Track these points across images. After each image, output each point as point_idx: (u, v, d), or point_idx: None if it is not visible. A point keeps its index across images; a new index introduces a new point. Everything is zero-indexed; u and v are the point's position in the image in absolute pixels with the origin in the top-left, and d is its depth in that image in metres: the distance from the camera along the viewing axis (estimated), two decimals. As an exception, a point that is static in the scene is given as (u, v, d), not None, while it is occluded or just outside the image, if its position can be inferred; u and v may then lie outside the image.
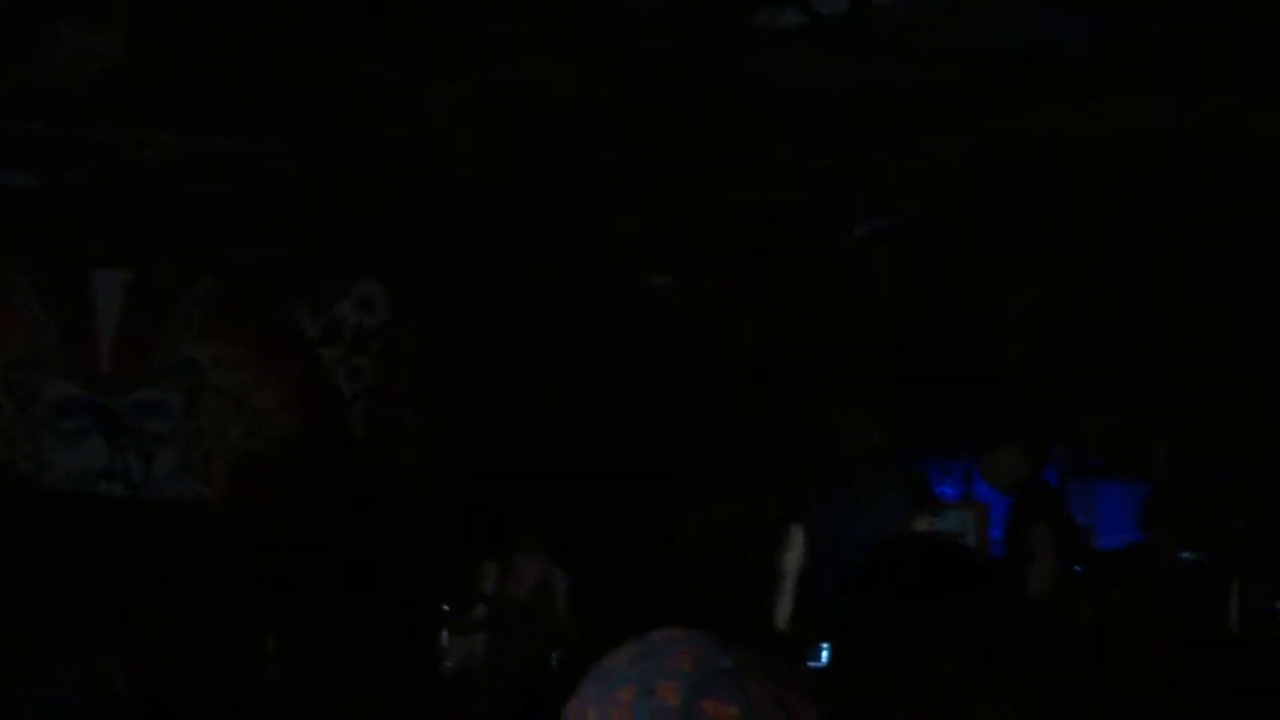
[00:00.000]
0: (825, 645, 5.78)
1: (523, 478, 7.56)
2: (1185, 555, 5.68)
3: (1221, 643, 5.56)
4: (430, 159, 6.75)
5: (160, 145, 6.47)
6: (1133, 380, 7.82)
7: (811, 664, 5.69)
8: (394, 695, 6.66)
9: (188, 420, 7.98)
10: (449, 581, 7.17)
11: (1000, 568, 5.89)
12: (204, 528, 7.53)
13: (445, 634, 6.97)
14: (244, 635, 6.76)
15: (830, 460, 6.89)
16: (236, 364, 8.08)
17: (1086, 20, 4.87)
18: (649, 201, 7.41)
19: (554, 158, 6.81)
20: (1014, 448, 6.15)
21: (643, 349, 8.02)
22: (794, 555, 1.84)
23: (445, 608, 7.02)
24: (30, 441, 7.78)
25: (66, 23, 4.78)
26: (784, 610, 1.75)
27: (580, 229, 7.85)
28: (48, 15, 4.80)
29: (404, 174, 7.09)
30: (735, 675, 1.60)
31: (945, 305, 8.06)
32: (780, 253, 7.74)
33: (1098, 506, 8.10)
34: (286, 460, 7.99)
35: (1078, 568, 6.19)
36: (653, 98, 5.72)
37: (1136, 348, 7.77)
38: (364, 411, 8.26)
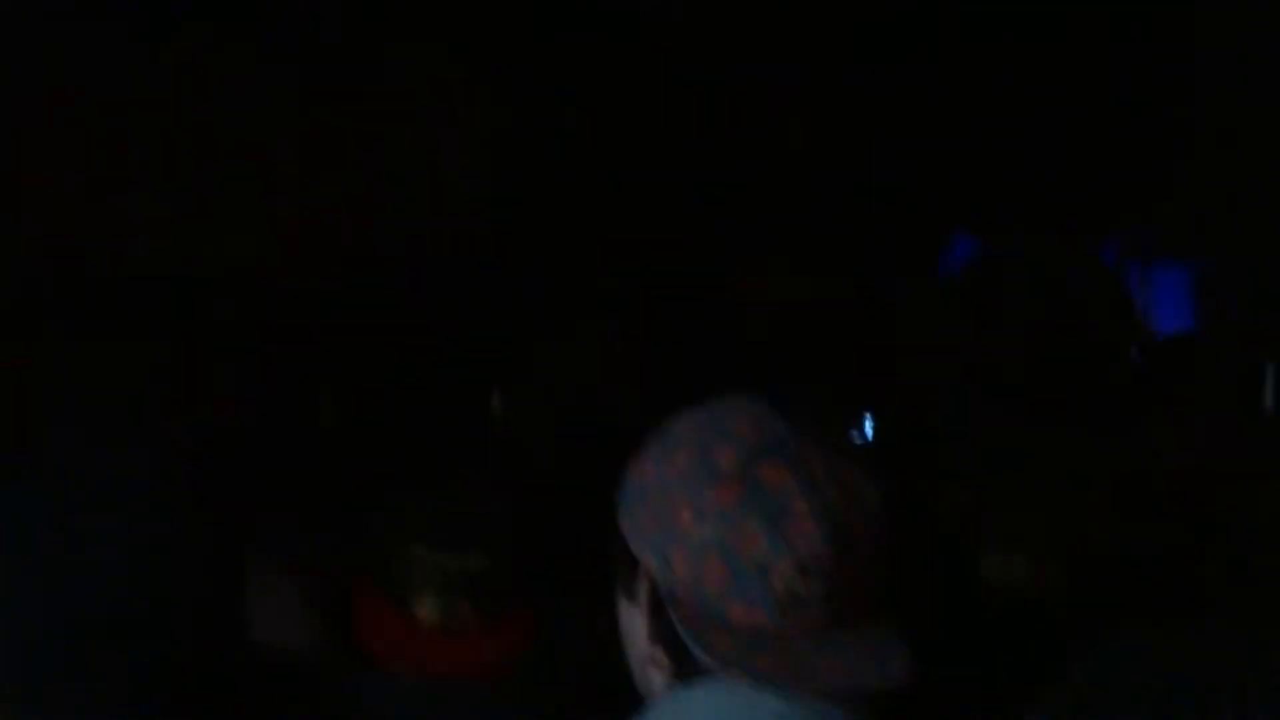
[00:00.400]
0: (868, 414, 5.82)
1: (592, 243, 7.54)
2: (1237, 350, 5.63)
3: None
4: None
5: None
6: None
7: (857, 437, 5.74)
8: (448, 451, 6.75)
9: (249, 189, 7.99)
10: (504, 342, 7.22)
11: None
12: (266, 295, 7.60)
13: (497, 395, 7.05)
14: (298, 391, 6.89)
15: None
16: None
17: None
18: None
19: None
20: None
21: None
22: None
23: (503, 377, 7.08)
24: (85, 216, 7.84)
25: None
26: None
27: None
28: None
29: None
30: (795, 442, 1.61)
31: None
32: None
33: (1156, 291, 8.05)
34: (348, 229, 8.03)
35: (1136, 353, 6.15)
36: None
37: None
38: (432, 180, 8.25)
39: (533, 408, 7.12)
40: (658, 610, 1.60)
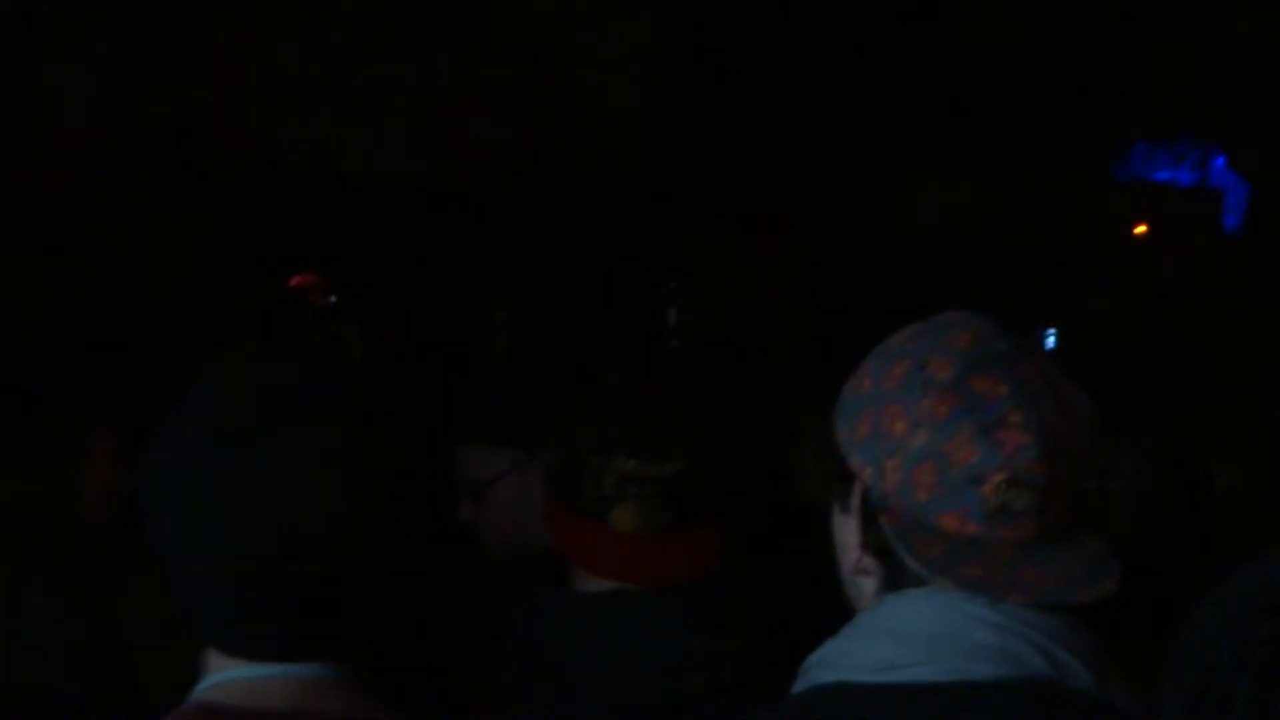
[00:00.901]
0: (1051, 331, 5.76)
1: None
2: None
3: None
4: None
5: None
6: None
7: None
8: (622, 363, 6.81)
9: (419, 96, 8.04)
10: (673, 256, 7.25)
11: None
12: (434, 203, 7.68)
13: (673, 311, 7.09)
14: (474, 305, 6.98)
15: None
16: (468, 37, 8.07)
17: None
18: None
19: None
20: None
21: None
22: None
23: (673, 284, 7.12)
24: (263, 115, 7.91)
25: None
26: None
27: None
28: None
29: None
30: (1010, 356, 1.61)
31: None
32: None
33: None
34: (514, 136, 8.05)
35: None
36: None
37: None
38: (594, 90, 8.25)
39: (705, 306, 7.17)
40: (870, 519, 1.62)
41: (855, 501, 1.63)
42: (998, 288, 6.69)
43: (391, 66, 7.96)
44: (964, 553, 1.55)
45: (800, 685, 1.61)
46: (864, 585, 1.63)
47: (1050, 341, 5.81)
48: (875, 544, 1.61)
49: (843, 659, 1.58)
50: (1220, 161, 7.77)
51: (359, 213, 7.21)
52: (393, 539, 1.48)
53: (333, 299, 6.53)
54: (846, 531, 1.66)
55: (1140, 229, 7.89)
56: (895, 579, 1.60)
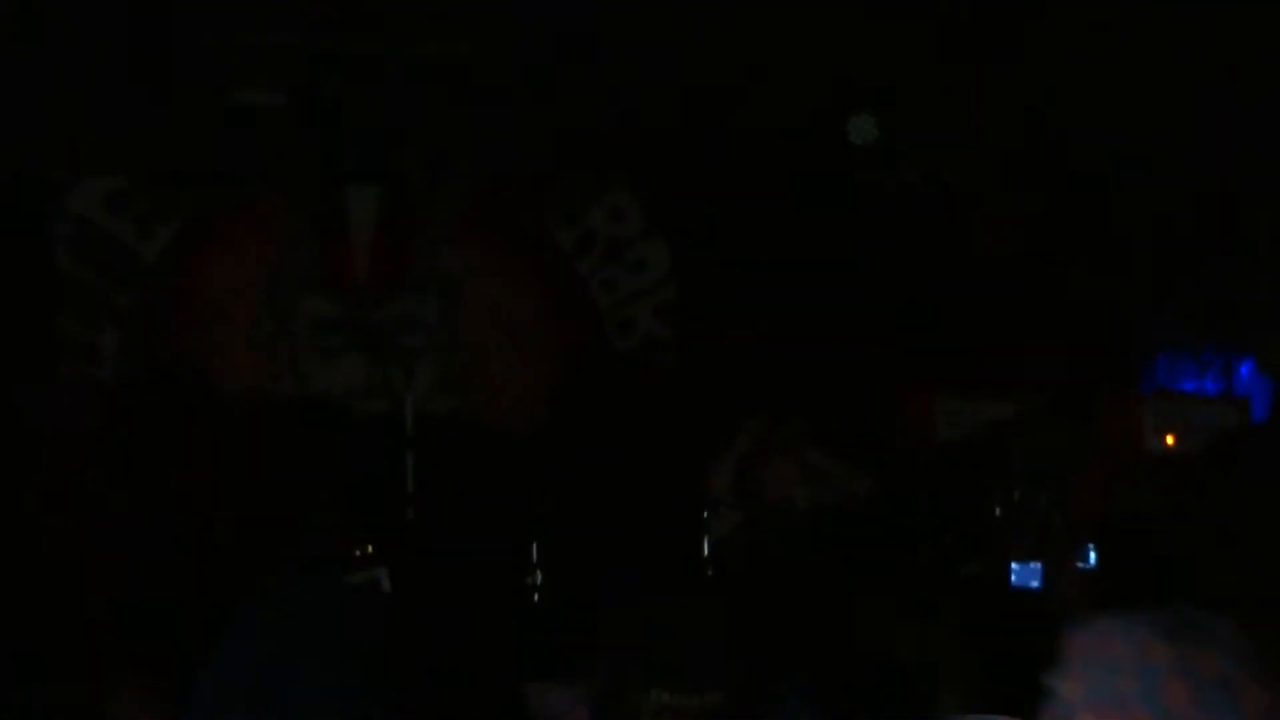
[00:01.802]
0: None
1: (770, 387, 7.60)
2: None
3: None
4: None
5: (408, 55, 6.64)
6: None
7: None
8: (660, 587, 6.75)
9: (444, 332, 8.13)
10: (701, 486, 7.24)
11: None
12: (466, 440, 7.70)
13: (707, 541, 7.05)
14: (508, 542, 6.96)
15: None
16: (492, 274, 8.20)
17: None
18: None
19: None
20: None
21: (897, 257, 7.94)
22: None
23: (705, 514, 7.09)
24: (291, 359, 8.01)
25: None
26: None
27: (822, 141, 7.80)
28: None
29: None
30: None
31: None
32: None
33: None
34: (544, 372, 8.10)
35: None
36: None
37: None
38: (618, 323, 8.33)
39: (744, 522, 7.12)
40: None
41: None
42: (1025, 504, 6.66)
43: (415, 304, 8.08)
44: None
45: None
46: None
47: (1092, 559, 5.75)
48: None
49: None
50: (1245, 368, 7.78)
51: (393, 454, 7.24)
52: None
53: (369, 548, 6.51)
54: None
55: (1170, 439, 7.88)
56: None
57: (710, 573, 6.91)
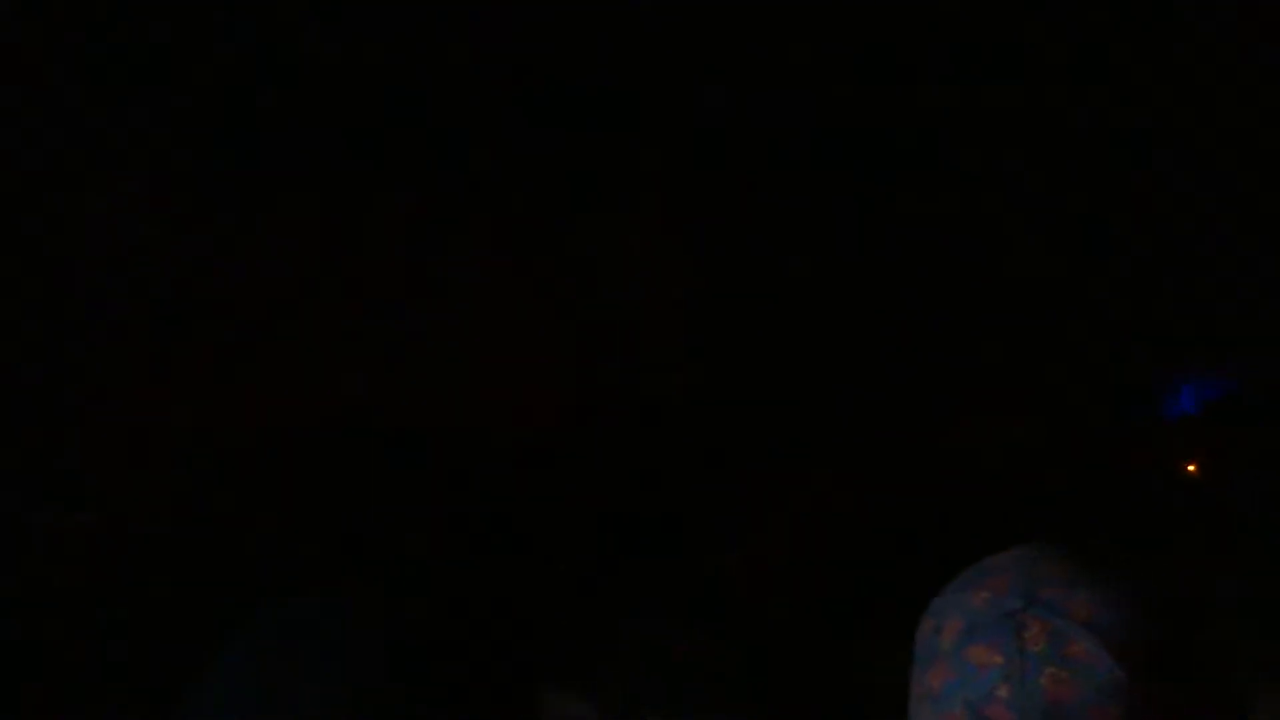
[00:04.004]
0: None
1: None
2: None
3: None
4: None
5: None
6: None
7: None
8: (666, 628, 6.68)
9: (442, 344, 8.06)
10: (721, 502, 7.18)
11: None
12: (469, 459, 7.65)
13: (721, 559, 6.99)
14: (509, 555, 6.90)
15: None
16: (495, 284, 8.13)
17: None
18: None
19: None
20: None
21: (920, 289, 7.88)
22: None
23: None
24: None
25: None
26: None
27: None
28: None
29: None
30: (1022, 615, 1.53)
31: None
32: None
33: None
34: (557, 398, 8.04)
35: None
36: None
37: None
38: (636, 351, 8.25)
39: (759, 569, 7.04)
40: None
41: None
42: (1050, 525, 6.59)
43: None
44: None
45: None
46: None
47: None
48: None
49: None
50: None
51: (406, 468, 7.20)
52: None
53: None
54: None
55: (1192, 467, 7.83)
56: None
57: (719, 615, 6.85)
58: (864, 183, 7.69)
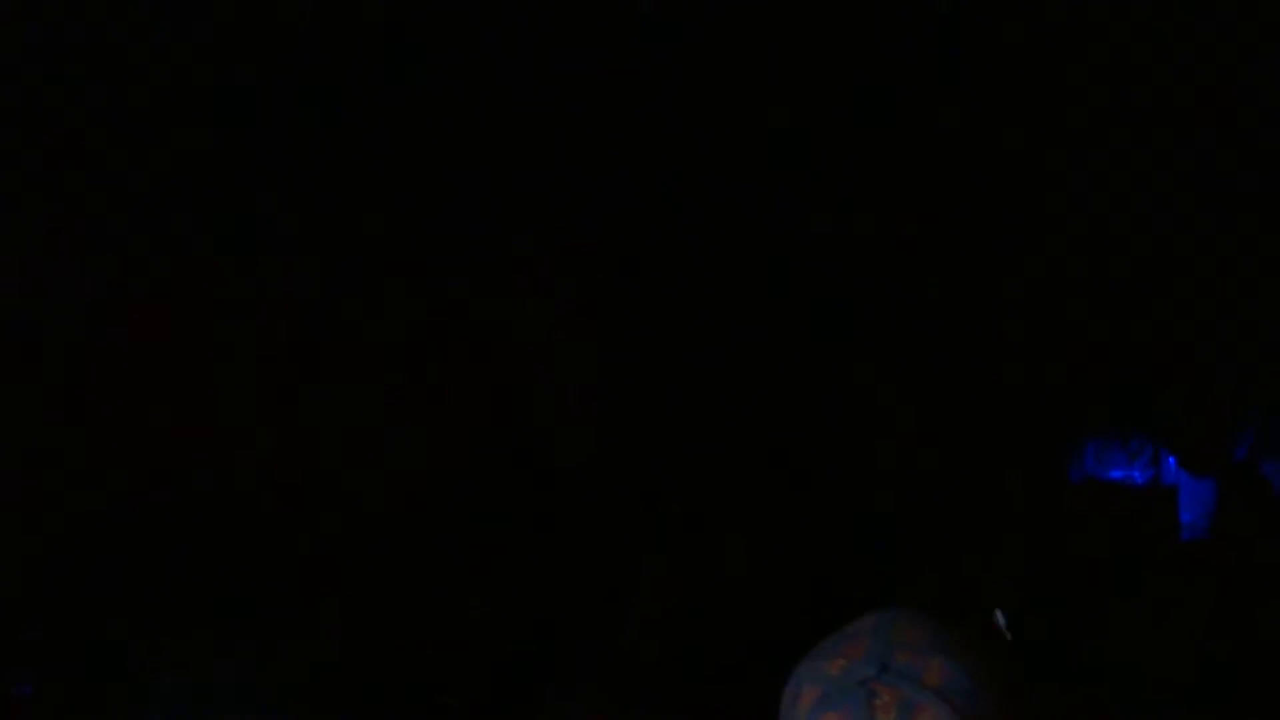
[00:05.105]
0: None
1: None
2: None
3: None
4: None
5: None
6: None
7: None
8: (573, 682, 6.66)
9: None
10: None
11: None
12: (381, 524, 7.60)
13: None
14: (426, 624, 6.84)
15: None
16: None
17: None
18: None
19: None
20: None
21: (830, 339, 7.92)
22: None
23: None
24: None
25: None
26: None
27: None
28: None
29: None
30: (869, 685, 1.55)
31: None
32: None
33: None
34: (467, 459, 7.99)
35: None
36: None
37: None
38: (540, 408, 8.22)
39: (655, 619, 7.01)
40: None
41: None
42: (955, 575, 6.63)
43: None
44: None
45: None
46: None
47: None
48: None
49: None
50: (1173, 460, 7.80)
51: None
52: None
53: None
54: None
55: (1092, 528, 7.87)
56: None
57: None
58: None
